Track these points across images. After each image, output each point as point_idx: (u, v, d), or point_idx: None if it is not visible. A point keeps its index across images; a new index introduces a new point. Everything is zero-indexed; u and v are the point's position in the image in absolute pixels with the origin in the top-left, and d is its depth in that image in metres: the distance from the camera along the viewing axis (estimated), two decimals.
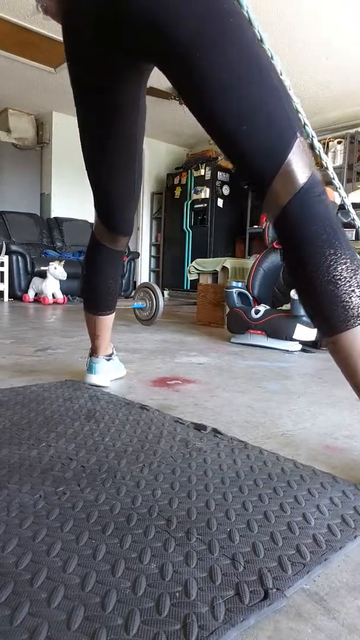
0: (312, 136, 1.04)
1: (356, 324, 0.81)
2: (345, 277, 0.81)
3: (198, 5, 0.84)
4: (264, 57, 0.87)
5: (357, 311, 0.80)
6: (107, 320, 1.54)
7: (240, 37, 0.85)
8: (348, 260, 0.81)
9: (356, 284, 0.81)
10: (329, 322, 0.83)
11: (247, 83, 0.84)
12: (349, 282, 0.81)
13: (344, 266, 0.81)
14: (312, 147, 1.00)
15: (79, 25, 1.03)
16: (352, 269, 0.81)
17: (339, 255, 0.81)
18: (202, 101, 0.87)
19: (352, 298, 0.80)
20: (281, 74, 0.97)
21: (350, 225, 2.81)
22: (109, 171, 1.29)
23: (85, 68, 1.11)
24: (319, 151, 1.04)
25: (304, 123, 1.02)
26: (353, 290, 0.81)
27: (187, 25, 0.83)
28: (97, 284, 1.48)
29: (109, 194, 1.33)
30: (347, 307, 0.80)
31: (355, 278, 0.81)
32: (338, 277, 0.81)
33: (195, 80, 0.85)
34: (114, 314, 1.55)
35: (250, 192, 6.34)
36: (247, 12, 0.92)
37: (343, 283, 0.80)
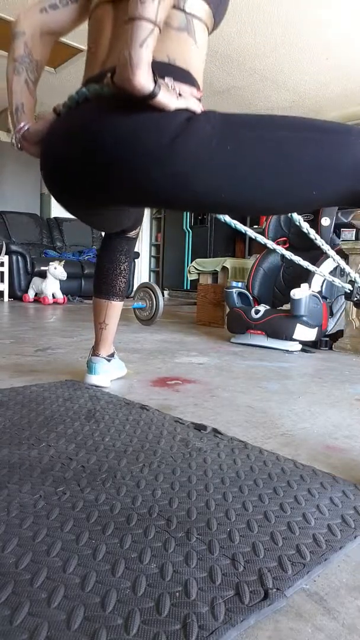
0: None
1: None
2: None
3: (192, 165, 0.84)
4: (273, 128, 0.84)
5: None
6: (117, 308, 1.57)
7: (254, 150, 0.83)
8: None
9: None
10: None
11: (275, 173, 0.83)
12: None
13: None
14: None
15: (60, 176, 1.02)
16: None
17: None
18: (261, 213, 0.96)
19: None
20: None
21: (350, 225, 2.80)
22: (116, 228, 1.46)
23: (72, 203, 1.13)
24: None
25: None
26: None
27: (193, 185, 0.85)
28: (111, 266, 1.54)
29: (120, 229, 1.50)
30: None
31: None
32: None
33: (234, 211, 0.92)
34: (122, 303, 1.58)
35: None
36: None
37: None
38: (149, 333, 2.98)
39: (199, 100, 0.88)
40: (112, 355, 1.61)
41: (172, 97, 0.82)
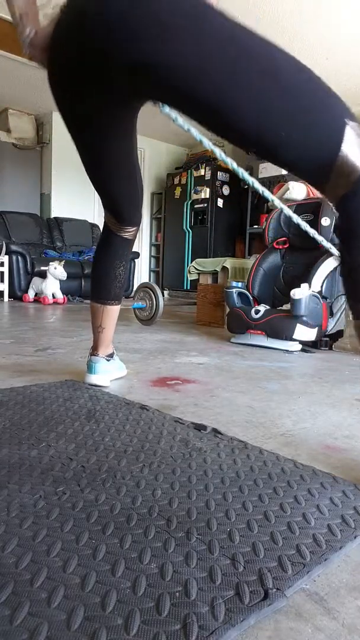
0: None
1: None
2: None
3: (192, 42, 0.81)
4: (278, 56, 0.82)
5: None
6: (114, 312, 1.56)
7: (244, 48, 0.81)
8: None
9: None
10: None
11: (268, 93, 0.80)
12: None
13: None
14: None
15: (65, 69, 1.02)
16: None
17: None
18: (227, 125, 0.84)
19: None
20: None
21: None
22: (113, 185, 1.37)
23: (76, 109, 1.12)
24: None
25: None
26: None
27: (189, 63, 0.81)
28: (107, 271, 1.52)
29: (115, 200, 1.41)
30: None
31: None
32: None
33: (210, 108, 0.83)
34: (119, 306, 1.57)
35: (250, 192, 6.34)
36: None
37: None
38: (149, 333, 2.98)
39: None
40: (111, 355, 1.61)
41: None
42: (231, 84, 0.80)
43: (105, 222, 1.51)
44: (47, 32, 1.01)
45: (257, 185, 1.23)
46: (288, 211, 1.31)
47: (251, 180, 1.20)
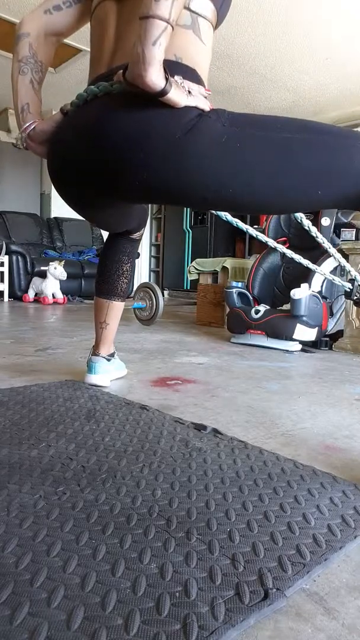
0: None
1: None
2: None
3: (199, 162, 0.84)
4: (279, 129, 0.85)
5: None
6: (119, 308, 1.57)
7: (260, 149, 0.84)
8: None
9: None
10: None
11: (287, 170, 0.84)
12: None
13: None
14: None
15: (67, 175, 1.04)
16: None
17: None
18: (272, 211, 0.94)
19: None
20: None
21: (350, 225, 2.80)
22: (120, 228, 1.47)
23: (74, 198, 1.13)
24: None
25: None
26: None
27: (200, 181, 0.86)
28: (113, 267, 1.55)
29: (124, 230, 1.51)
30: None
31: None
32: None
33: (238, 209, 0.92)
34: (124, 303, 1.58)
35: None
36: None
37: None
38: (149, 333, 2.98)
39: (206, 98, 0.88)
40: (112, 355, 1.61)
41: (182, 95, 0.83)
42: (245, 187, 0.86)
43: None
44: (46, 128, 1.05)
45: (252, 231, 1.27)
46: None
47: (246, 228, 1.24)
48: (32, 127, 1.09)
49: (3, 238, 5.51)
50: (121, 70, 0.82)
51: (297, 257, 1.28)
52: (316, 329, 2.53)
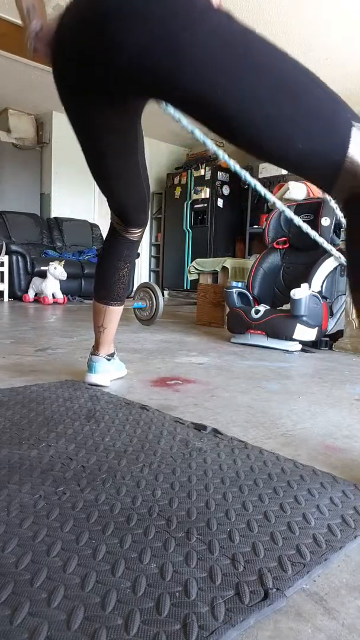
0: None
1: None
2: None
3: (203, 47, 0.80)
4: (287, 67, 0.83)
5: None
6: (116, 312, 1.55)
7: (256, 61, 0.81)
8: None
9: None
10: None
11: (278, 105, 0.80)
12: None
13: None
14: None
15: (70, 68, 1.01)
16: None
17: None
18: (247, 140, 0.85)
19: None
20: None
21: None
22: (117, 186, 1.36)
23: (81, 110, 1.11)
24: None
25: None
26: None
27: (200, 72, 0.81)
28: (110, 272, 1.52)
29: (120, 202, 1.41)
30: None
31: None
32: None
33: (221, 118, 0.84)
34: (122, 307, 1.57)
35: (250, 192, 6.34)
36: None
37: None
38: (149, 333, 2.98)
39: None
40: (112, 355, 1.61)
41: None
42: (242, 94, 0.80)
43: (111, 222, 1.51)
44: (53, 27, 1.00)
45: (260, 188, 1.23)
46: (290, 213, 1.31)
47: (253, 182, 1.20)
48: (39, 26, 1.05)
49: (3, 238, 5.51)
50: None
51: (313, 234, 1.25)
52: (316, 329, 2.53)
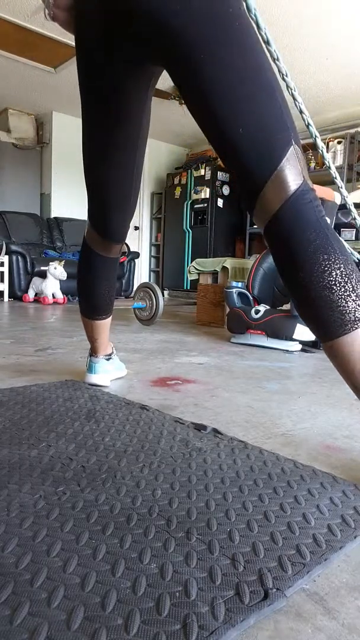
0: (316, 135, 1.04)
1: (353, 329, 0.80)
2: (340, 282, 0.80)
3: (204, 8, 0.84)
4: (266, 62, 0.87)
5: (353, 315, 0.79)
6: (104, 324, 1.54)
7: (243, 40, 0.85)
8: (342, 265, 0.80)
9: (351, 288, 0.80)
10: (326, 327, 0.82)
11: (247, 85, 0.84)
12: (344, 286, 0.80)
13: (338, 271, 0.80)
14: (315, 146, 1.00)
15: (88, 30, 1.03)
16: (346, 274, 0.80)
17: (332, 260, 0.80)
18: (203, 100, 0.87)
19: (348, 302, 0.80)
20: (286, 75, 0.97)
21: (350, 225, 2.80)
22: (108, 180, 1.27)
23: (94, 73, 1.11)
24: (321, 151, 1.04)
25: (308, 123, 1.02)
26: (349, 295, 0.80)
27: (193, 26, 0.84)
28: (91, 290, 1.46)
29: (105, 201, 1.31)
30: (344, 311, 0.80)
31: (350, 282, 0.80)
32: (333, 282, 0.80)
33: (197, 81, 0.86)
34: (110, 317, 1.54)
35: None
36: (255, 15, 0.91)
37: (338, 288, 0.80)
38: (149, 333, 2.98)
39: None
40: (110, 355, 1.61)
41: None
42: (223, 66, 0.84)
43: (85, 240, 1.42)
44: None
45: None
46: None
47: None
48: None
49: (3, 238, 5.51)
50: None
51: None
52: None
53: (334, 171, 1.10)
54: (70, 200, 6.59)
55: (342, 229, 2.77)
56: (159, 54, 0.93)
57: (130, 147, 1.24)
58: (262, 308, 2.66)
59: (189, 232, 6.74)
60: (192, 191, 6.69)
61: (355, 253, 1.30)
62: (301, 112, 1.01)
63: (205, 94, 0.86)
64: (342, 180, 5.27)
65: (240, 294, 2.89)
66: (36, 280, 5.18)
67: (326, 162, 1.09)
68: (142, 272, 7.61)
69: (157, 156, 7.38)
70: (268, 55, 0.90)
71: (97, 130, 1.21)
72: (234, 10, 0.86)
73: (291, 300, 2.48)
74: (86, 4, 1.01)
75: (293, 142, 0.84)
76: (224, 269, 3.63)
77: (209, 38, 0.84)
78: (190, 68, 0.86)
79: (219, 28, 0.84)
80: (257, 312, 2.62)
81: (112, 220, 1.34)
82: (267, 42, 0.94)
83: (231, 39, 0.84)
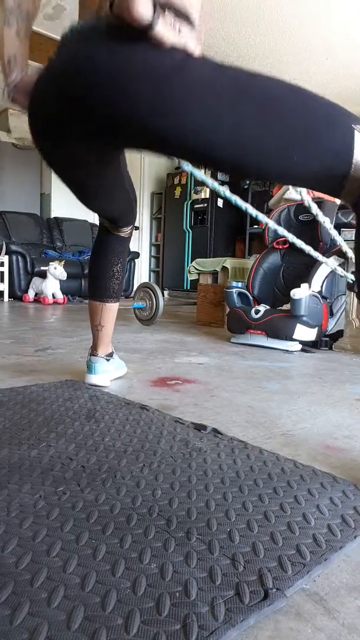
0: None
1: None
2: None
3: (183, 92, 0.79)
4: (270, 86, 0.81)
5: None
6: (113, 309, 1.56)
7: (236, 94, 0.79)
8: None
9: None
10: None
11: (270, 130, 0.79)
12: None
13: None
14: None
15: (46, 115, 1.00)
16: None
17: None
18: (236, 165, 0.84)
19: None
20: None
21: (350, 225, 2.80)
22: (103, 205, 1.39)
23: (56, 152, 1.10)
24: None
25: None
26: None
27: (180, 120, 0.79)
28: (104, 269, 1.53)
29: (107, 213, 1.45)
30: None
31: None
32: None
33: (214, 161, 0.84)
34: (118, 304, 1.57)
35: (250, 193, 6.34)
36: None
37: None
38: (149, 333, 2.98)
39: (198, 42, 0.83)
40: (110, 355, 1.61)
41: (171, 32, 0.78)
42: (234, 137, 0.80)
43: (100, 222, 1.53)
44: (32, 79, 1.00)
45: (251, 210, 1.25)
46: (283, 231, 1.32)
47: (244, 206, 1.23)
48: (18, 78, 1.07)
49: (3, 238, 5.51)
50: (108, 3, 0.78)
51: (307, 249, 1.27)
52: (316, 329, 2.53)
53: None
54: (70, 201, 6.51)
55: (342, 229, 2.76)
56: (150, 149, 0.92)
57: (115, 184, 1.30)
58: (262, 308, 2.66)
59: (189, 232, 6.74)
60: (192, 191, 6.69)
61: (349, 274, 1.31)
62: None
63: (228, 162, 0.83)
64: None
65: (240, 294, 2.89)
66: (36, 280, 5.18)
67: None
68: (142, 272, 7.61)
69: (157, 156, 7.37)
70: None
71: (78, 190, 1.28)
72: (206, 66, 0.80)
73: (294, 299, 2.48)
74: (45, 94, 0.97)
75: (353, 127, 0.79)
76: (224, 269, 3.63)
77: (209, 120, 0.78)
78: (187, 150, 0.84)
79: (212, 98, 0.78)
80: (257, 312, 2.62)
81: (116, 217, 1.45)
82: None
83: (220, 105, 0.79)
